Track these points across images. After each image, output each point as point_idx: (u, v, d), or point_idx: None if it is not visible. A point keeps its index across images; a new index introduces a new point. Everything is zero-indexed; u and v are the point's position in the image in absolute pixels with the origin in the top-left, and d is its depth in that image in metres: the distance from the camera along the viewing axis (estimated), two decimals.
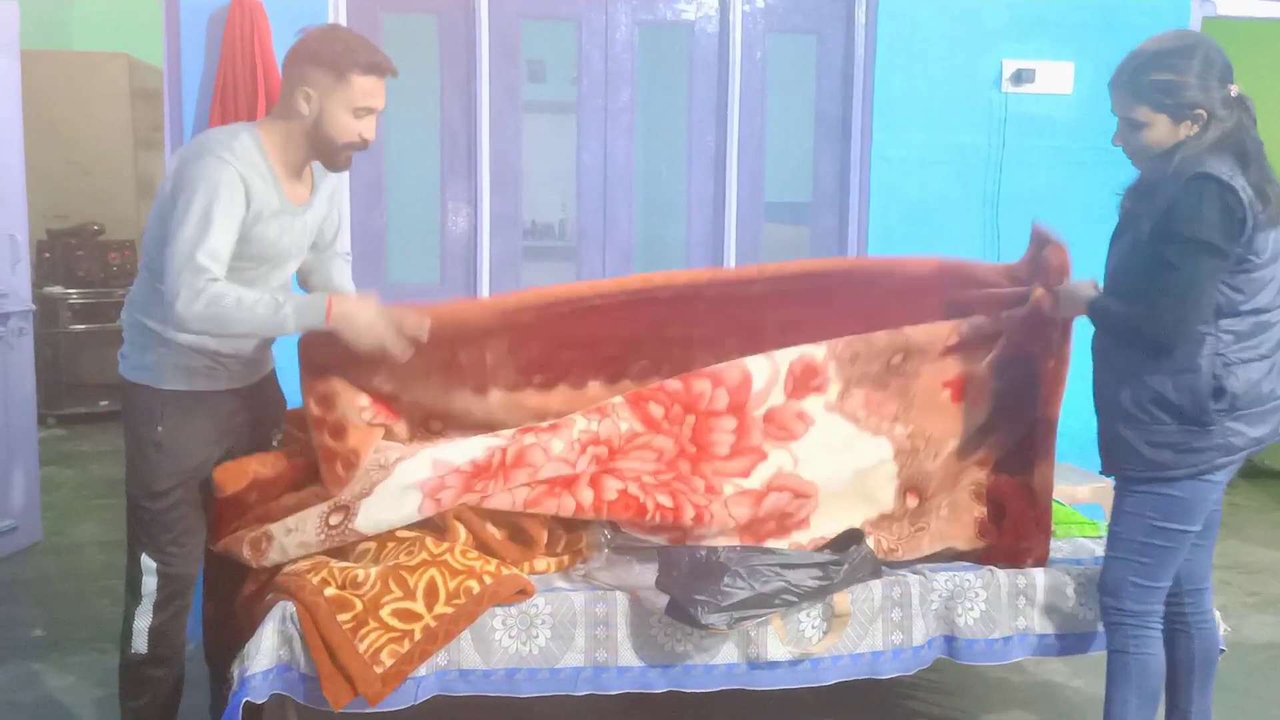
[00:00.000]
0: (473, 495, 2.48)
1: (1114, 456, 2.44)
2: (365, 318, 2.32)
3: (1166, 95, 2.30)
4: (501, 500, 2.50)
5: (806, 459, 2.66)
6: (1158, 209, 2.29)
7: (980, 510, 2.75)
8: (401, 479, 2.45)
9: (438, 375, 2.62)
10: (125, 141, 6.88)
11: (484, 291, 3.96)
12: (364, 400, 2.57)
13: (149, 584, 2.43)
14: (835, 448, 2.69)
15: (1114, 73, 2.39)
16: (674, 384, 2.66)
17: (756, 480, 2.62)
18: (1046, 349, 2.68)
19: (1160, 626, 2.46)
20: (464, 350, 2.62)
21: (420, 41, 3.95)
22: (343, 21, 3.76)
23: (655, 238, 4.19)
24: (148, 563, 2.43)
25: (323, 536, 2.42)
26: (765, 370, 2.67)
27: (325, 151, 2.42)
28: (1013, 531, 2.68)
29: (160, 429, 2.40)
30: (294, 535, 2.43)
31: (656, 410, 2.64)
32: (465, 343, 2.62)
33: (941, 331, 2.71)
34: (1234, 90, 2.33)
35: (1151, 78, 2.31)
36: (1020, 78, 3.97)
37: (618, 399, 2.67)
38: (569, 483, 2.52)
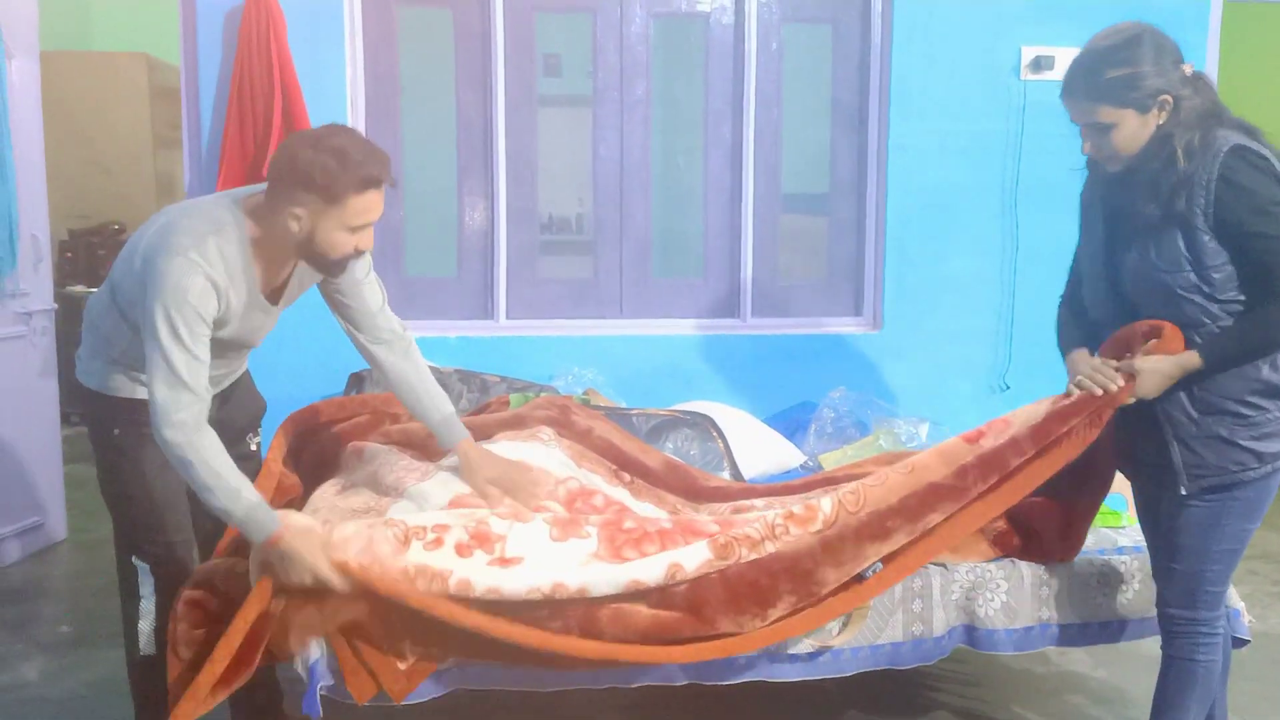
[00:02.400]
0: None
1: (1209, 464, 2.26)
2: (306, 562, 2.10)
3: (1128, 89, 2.21)
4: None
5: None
6: (1185, 197, 2.18)
7: (988, 543, 2.62)
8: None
9: None
10: (145, 141, 6.92)
11: (501, 286, 3.96)
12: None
13: (145, 585, 2.40)
14: None
15: (1064, 81, 2.29)
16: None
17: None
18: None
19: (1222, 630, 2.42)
20: None
21: (435, 36, 3.96)
22: (358, 16, 3.77)
23: (672, 230, 4.19)
24: (139, 564, 2.39)
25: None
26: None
27: (317, 264, 2.28)
28: (1037, 552, 2.61)
29: (117, 431, 2.35)
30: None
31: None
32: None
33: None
34: (1188, 69, 2.25)
35: (1107, 76, 2.22)
36: (1039, 64, 3.94)
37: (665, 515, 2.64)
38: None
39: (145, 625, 2.41)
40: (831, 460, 3.33)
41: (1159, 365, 2.25)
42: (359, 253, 2.25)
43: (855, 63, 4.06)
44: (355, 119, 3.79)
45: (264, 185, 2.26)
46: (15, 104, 4.00)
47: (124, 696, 3.04)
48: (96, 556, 4.26)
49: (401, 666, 2.25)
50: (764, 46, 4.02)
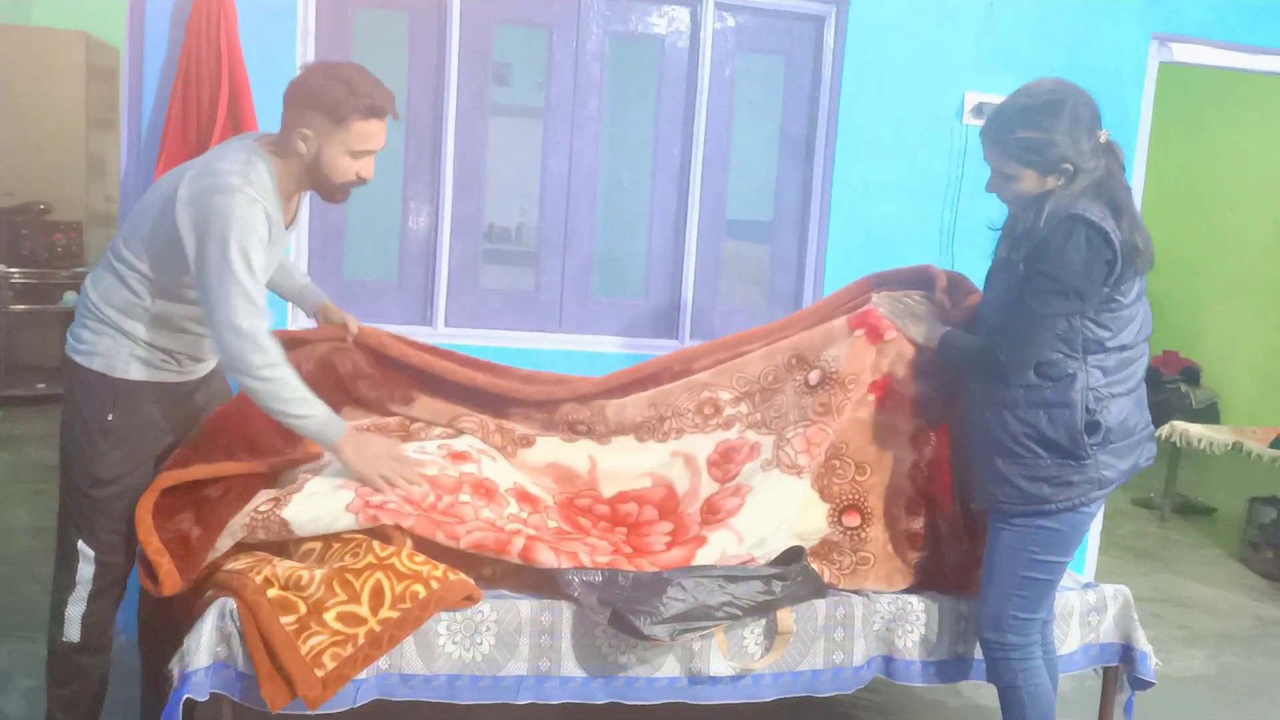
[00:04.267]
0: (405, 514, 2.44)
1: (990, 491, 2.47)
2: (374, 451, 2.46)
3: (1033, 152, 2.36)
4: (439, 537, 2.46)
5: (749, 524, 2.66)
6: (1030, 252, 2.36)
7: (916, 555, 2.71)
8: (333, 477, 2.50)
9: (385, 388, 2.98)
10: (78, 120, 6.72)
11: (442, 293, 3.94)
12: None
13: (85, 571, 2.40)
14: (775, 500, 2.70)
15: (983, 125, 2.46)
16: (600, 508, 2.76)
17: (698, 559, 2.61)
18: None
19: (1040, 656, 2.52)
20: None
21: (390, 39, 3.93)
22: (312, 14, 3.73)
23: (615, 248, 4.20)
24: (85, 549, 2.40)
25: (248, 520, 2.40)
26: (685, 477, 2.79)
27: (322, 188, 2.45)
28: (956, 576, 2.70)
29: (111, 417, 2.38)
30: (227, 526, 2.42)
31: (585, 522, 2.71)
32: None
33: (835, 329, 2.82)
34: (1103, 136, 2.39)
35: (1017, 135, 2.37)
36: (981, 111, 4.03)
37: (550, 501, 2.73)
38: (503, 545, 2.48)
39: (75, 611, 2.42)
40: None
41: (929, 314, 2.73)
42: (361, 180, 2.44)
43: (805, 96, 4.12)
44: None
45: (265, 131, 2.48)
46: None
47: (24, 692, 2.96)
48: (1, 545, 4.12)
49: (319, 674, 2.22)
50: (717, 73, 4.06)
